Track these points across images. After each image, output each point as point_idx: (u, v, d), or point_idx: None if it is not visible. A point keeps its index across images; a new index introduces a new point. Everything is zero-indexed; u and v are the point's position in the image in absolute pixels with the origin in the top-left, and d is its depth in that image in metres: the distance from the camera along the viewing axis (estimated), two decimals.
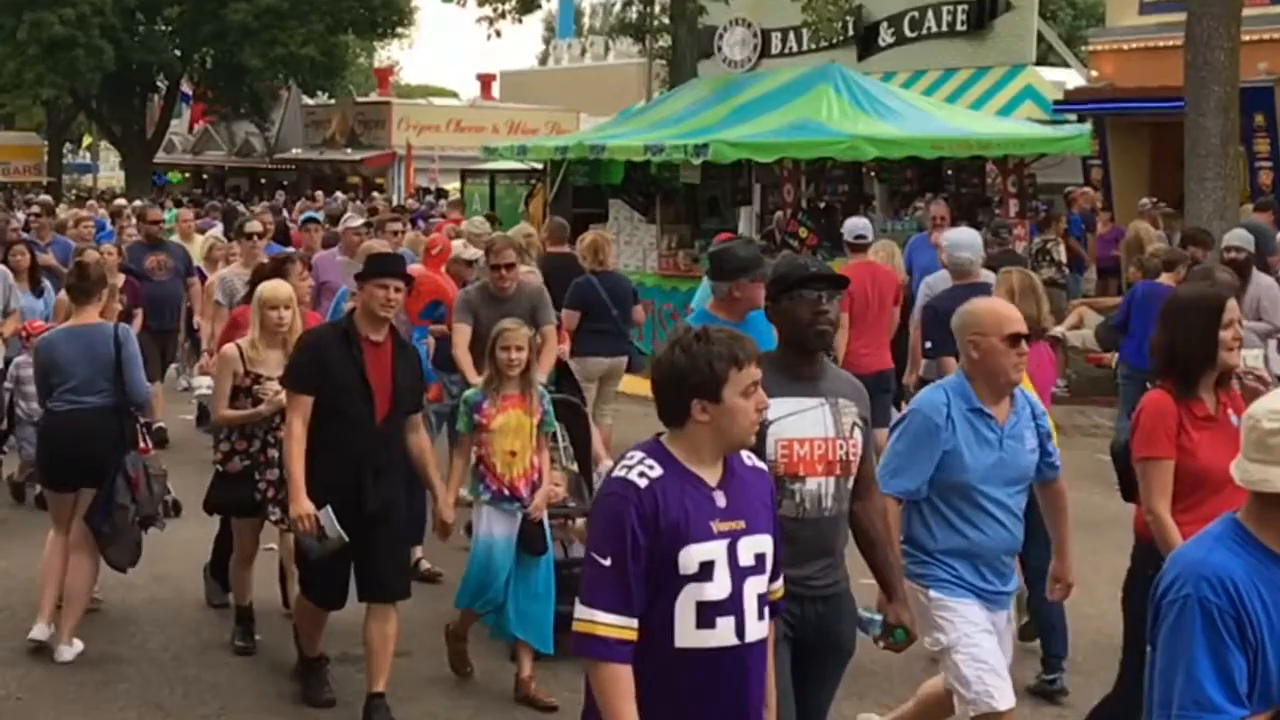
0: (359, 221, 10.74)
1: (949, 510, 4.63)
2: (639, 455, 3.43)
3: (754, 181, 16.47)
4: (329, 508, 5.69)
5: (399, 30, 42.68)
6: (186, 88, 42.83)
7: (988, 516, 4.63)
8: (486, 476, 6.24)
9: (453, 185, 30.03)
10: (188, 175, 48.26)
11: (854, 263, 9.84)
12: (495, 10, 25.35)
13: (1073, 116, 18.95)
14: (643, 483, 3.35)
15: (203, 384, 10.31)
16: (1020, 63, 20.72)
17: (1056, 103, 19.47)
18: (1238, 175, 13.70)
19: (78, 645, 6.73)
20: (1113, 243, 16.01)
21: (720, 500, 3.41)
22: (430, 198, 29.78)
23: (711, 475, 3.44)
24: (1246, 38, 13.71)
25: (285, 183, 41.64)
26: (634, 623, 3.31)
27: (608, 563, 3.31)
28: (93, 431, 6.76)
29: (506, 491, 6.20)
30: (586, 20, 59.16)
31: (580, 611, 3.34)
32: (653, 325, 15.68)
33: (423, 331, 8.50)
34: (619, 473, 3.41)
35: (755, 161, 15.30)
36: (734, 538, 3.40)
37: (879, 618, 4.46)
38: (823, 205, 16.48)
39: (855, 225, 10.33)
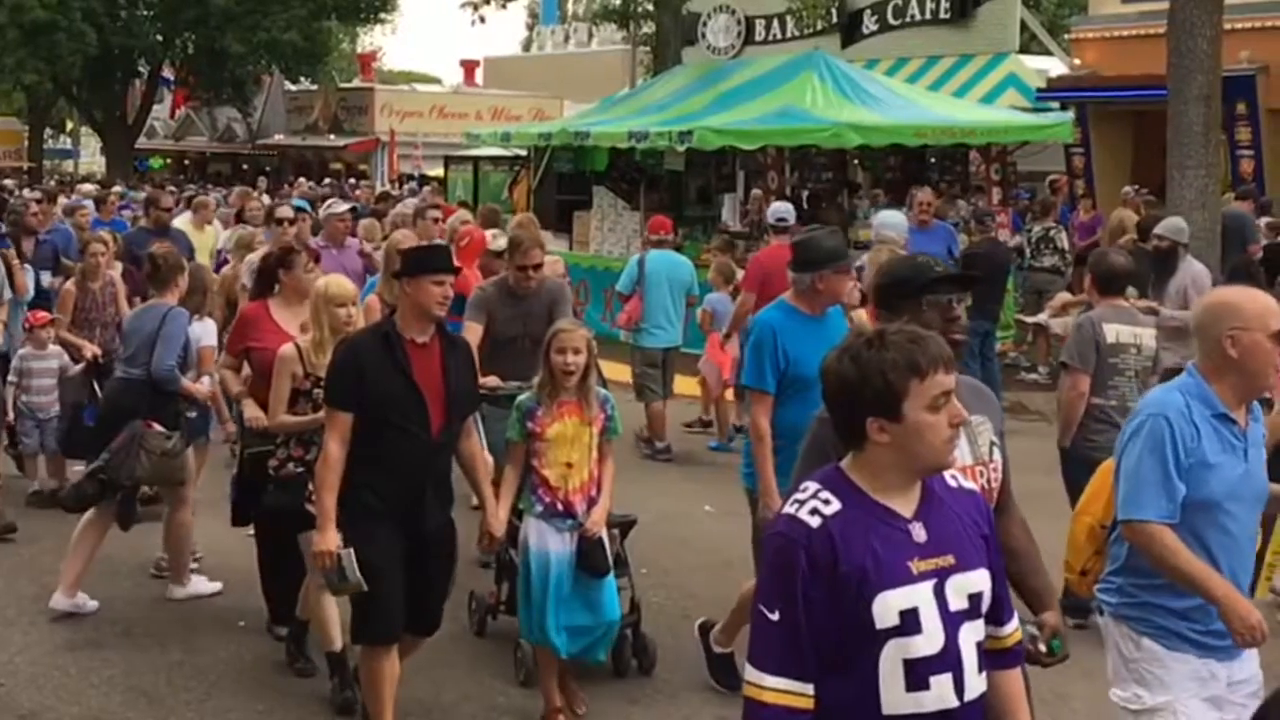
0: (343, 208, 10.68)
1: (1185, 534, 3.90)
2: (813, 487, 2.87)
3: (738, 168, 16.50)
4: (351, 550, 5.18)
5: (382, 16, 42.57)
6: (168, 73, 42.65)
7: (1229, 539, 3.97)
8: (539, 488, 5.75)
9: (436, 172, 29.98)
10: (169, 161, 48.10)
11: (774, 244, 10.37)
12: None
13: (1055, 104, 19.02)
14: (814, 521, 2.79)
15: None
16: (1003, 51, 20.77)
17: (1039, 91, 19.51)
18: (1219, 163, 13.71)
19: (66, 601, 6.99)
20: (1093, 230, 16.05)
21: (919, 534, 2.84)
22: (413, 184, 29.70)
23: (905, 505, 2.87)
24: (1229, 26, 13.73)
25: (268, 168, 41.51)
26: (808, 689, 2.77)
27: (775, 617, 2.78)
28: (119, 402, 7.22)
29: (560, 506, 5.74)
30: (570, 6, 59.05)
31: (748, 673, 2.83)
32: None
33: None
34: (789, 509, 2.86)
35: (739, 148, 15.33)
36: (940, 577, 2.82)
37: (1032, 629, 3.76)
38: (806, 193, 16.52)
39: (778, 209, 11.01)
